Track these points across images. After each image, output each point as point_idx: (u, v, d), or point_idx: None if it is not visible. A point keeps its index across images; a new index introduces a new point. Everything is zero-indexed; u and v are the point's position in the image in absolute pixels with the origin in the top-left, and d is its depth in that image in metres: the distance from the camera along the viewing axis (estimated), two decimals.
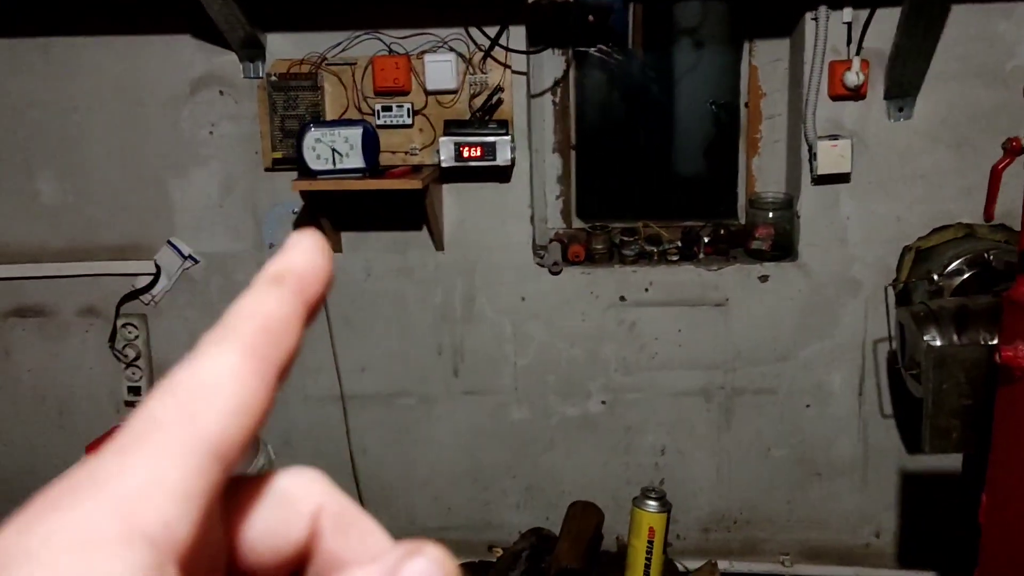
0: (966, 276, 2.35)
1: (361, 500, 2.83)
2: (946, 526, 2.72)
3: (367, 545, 0.24)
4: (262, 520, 0.23)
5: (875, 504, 2.74)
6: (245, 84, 2.57)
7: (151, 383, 2.74)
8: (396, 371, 2.75)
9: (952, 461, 2.65)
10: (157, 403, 0.21)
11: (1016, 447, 1.41)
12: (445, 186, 2.61)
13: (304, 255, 0.24)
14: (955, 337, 2.00)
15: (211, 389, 0.21)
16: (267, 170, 2.61)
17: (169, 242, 2.68)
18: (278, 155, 2.52)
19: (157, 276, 2.69)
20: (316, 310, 0.25)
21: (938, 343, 2.01)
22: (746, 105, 2.72)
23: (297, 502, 0.24)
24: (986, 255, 2.38)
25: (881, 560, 2.77)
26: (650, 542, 2.24)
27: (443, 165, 2.41)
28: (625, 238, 2.63)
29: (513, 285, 2.67)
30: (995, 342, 1.93)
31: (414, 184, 2.31)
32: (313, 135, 2.30)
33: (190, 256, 2.69)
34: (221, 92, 2.58)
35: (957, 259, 2.36)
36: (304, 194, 2.50)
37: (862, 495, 2.73)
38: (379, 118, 2.49)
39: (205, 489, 0.20)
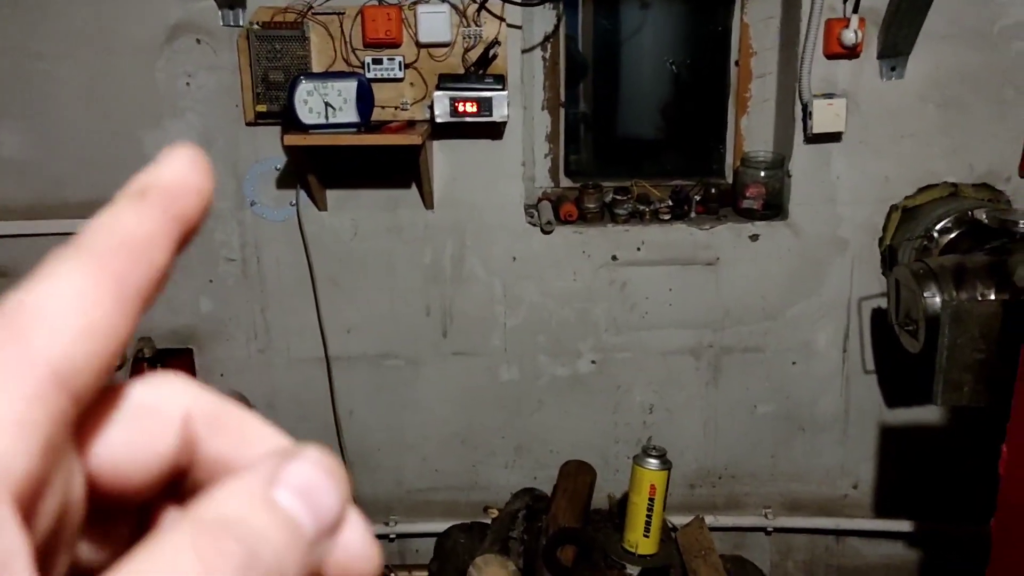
0: (953, 235, 2.40)
1: (346, 462, 2.79)
2: (920, 476, 2.82)
3: (251, 443, 0.22)
4: (122, 437, 0.21)
5: (854, 457, 2.81)
6: (224, 32, 2.44)
7: None
8: (383, 332, 2.69)
9: (929, 414, 2.75)
10: None
11: None
12: (436, 143, 2.53)
13: (174, 169, 0.22)
14: (954, 293, 2.04)
15: (51, 309, 0.19)
16: (248, 124, 2.50)
17: None
18: (262, 108, 2.41)
19: None
20: (190, 232, 0.22)
21: (938, 299, 2.05)
22: (736, 63, 2.71)
23: (160, 410, 0.22)
24: (970, 213, 2.43)
25: (858, 510, 2.86)
26: (651, 499, 2.25)
27: (438, 120, 2.34)
28: (618, 197, 2.61)
29: (504, 245, 2.63)
30: (993, 297, 1.99)
31: (413, 140, 2.24)
32: (305, 87, 2.20)
33: None
34: (199, 41, 2.45)
35: (946, 218, 2.40)
36: (290, 149, 2.40)
37: (842, 448, 2.81)
38: (369, 71, 2.40)
39: (46, 419, 0.18)
